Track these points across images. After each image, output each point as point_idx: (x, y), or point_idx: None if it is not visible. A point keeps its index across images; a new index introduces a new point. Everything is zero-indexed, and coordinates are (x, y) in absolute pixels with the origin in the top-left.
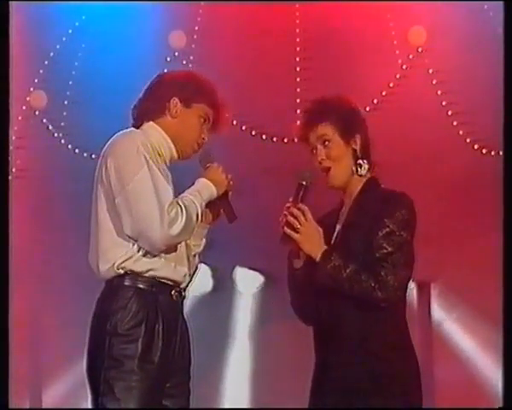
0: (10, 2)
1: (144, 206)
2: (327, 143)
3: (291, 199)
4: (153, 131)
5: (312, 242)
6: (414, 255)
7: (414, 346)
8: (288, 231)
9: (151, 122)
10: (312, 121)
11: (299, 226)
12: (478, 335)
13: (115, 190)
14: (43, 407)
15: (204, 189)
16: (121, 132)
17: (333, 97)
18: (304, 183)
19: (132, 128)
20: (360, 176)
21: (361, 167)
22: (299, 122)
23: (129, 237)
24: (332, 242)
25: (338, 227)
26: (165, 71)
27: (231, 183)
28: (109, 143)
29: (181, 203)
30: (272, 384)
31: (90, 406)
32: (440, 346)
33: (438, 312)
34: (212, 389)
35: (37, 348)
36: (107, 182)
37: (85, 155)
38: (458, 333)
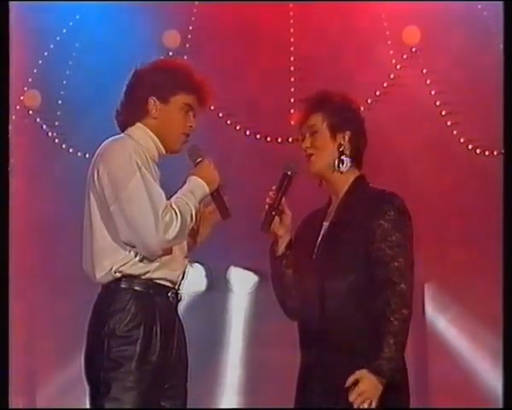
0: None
1: (139, 213)
2: (314, 132)
3: (274, 187)
4: (140, 132)
5: None
6: (413, 258)
7: None
8: None
9: (137, 123)
10: (307, 111)
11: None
12: (472, 335)
13: (109, 199)
14: (38, 406)
15: (197, 188)
16: (111, 139)
17: (333, 92)
18: (288, 172)
19: (122, 134)
20: (341, 173)
21: (343, 164)
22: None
23: (125, 244)
24: (319, 239)
25: (325, 224)
26: (139, 66)
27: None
28: (100, 150)
29: (175, 207)
30: (266, 384)
31: (86, 405)
32: (434, 346)
33: (432, 312)
34: (206, 388)
35: (31, 349)
36: (101, 190)
37: (79, 154)
38: (452, 334)
